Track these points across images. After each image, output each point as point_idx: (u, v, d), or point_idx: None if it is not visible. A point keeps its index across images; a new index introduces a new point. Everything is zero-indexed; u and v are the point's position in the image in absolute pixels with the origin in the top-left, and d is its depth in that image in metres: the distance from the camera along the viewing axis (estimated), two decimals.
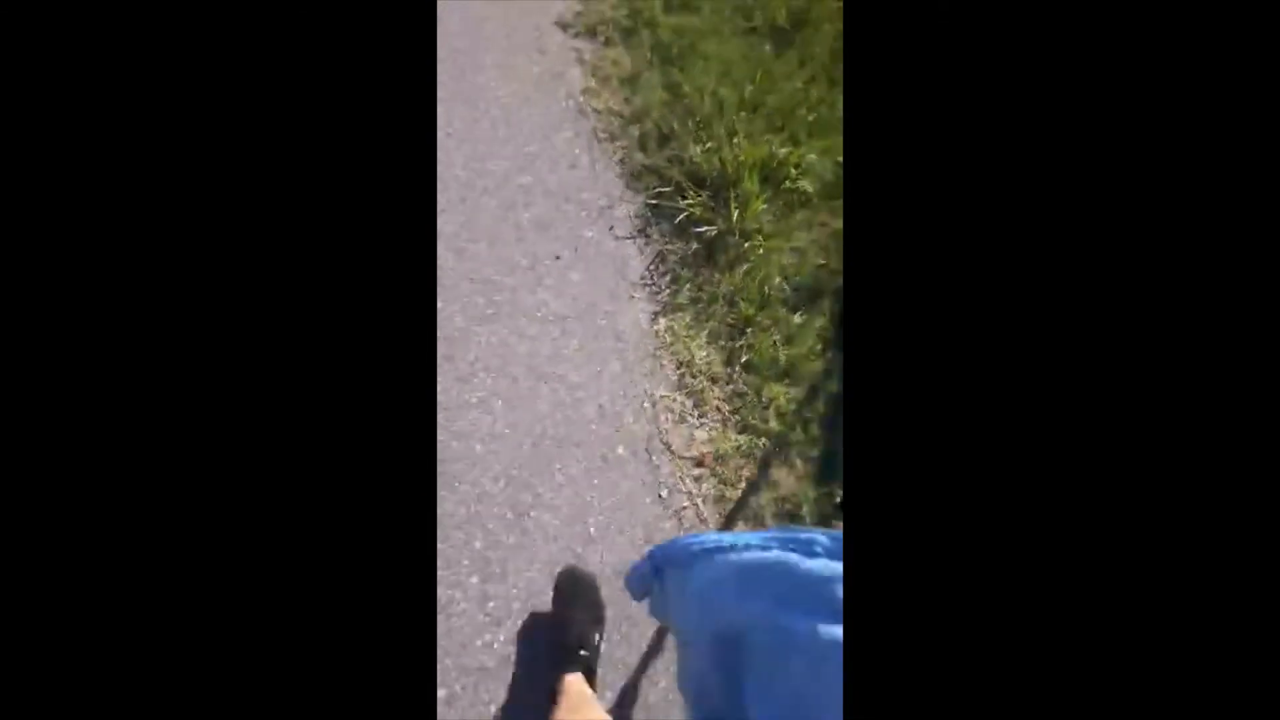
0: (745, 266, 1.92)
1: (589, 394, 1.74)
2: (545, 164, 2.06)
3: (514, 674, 1.37)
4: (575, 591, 1.41)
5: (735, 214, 1.97)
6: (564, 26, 2.35)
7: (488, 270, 1.87)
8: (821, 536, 0.52)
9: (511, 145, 2.08)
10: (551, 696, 1.28)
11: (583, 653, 1.32)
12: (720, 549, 0.57)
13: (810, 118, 2.16)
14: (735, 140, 2.08)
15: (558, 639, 1.36)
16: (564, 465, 1.63)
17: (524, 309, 1.83)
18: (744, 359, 1.83)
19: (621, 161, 2.10)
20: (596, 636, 1.38)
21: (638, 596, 0.83)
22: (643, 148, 2.12)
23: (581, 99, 2.19)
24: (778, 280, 1.91)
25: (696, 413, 1.80)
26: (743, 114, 2.12)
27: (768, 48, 2.28)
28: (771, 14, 2.36)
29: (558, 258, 1.91)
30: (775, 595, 0.49)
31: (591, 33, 2.34)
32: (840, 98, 2.20)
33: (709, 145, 2.06)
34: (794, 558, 0.50)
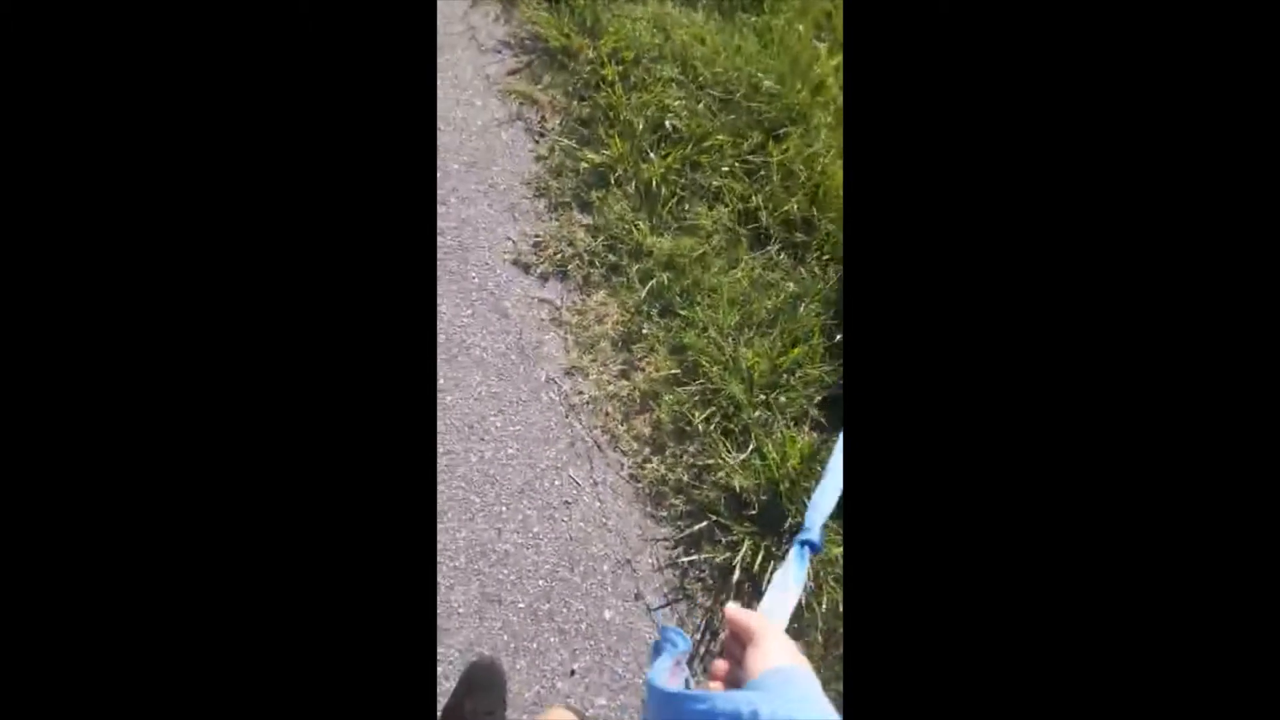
0: (838, 634, 1.40)
1: None
2: (531, 507, 1.48)
3: None
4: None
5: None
6: (523, 267, 1.77)
7: None
8: None
9: (485, 493, 1.48)
10: None
11: None
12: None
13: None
14: (775, 430, 1.57)
15: None
16: None
17: None
18: None
19: (632, 478, 1.54)
20: None
21: None
22: (657, 449, 1.57)
23: (566, 386, 1.62)
24: None
25: None
26: (778, 392, 1.61)
27: (783, 278, 1.77)
28: (780, 216, 1.85)
29: (572, 673, 1.33)
30: None
31: (561, 273, 1.77)
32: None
33: (749, 450, 1.54)
34: None
